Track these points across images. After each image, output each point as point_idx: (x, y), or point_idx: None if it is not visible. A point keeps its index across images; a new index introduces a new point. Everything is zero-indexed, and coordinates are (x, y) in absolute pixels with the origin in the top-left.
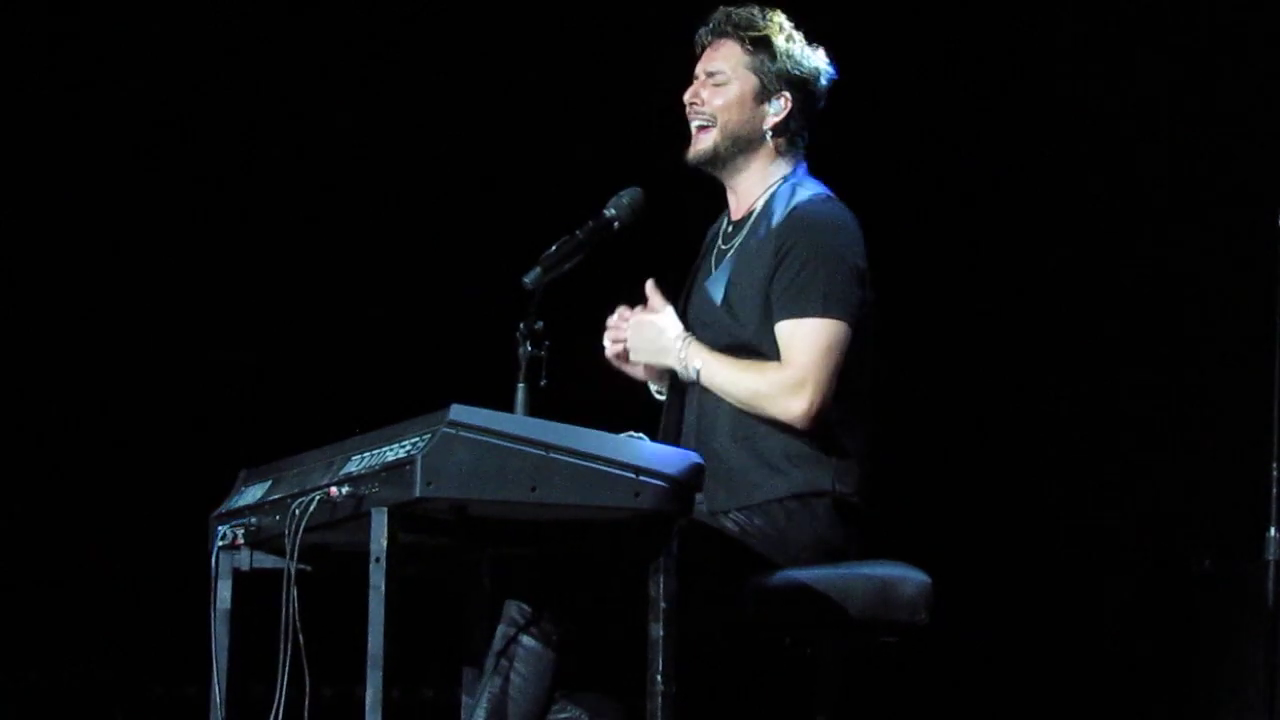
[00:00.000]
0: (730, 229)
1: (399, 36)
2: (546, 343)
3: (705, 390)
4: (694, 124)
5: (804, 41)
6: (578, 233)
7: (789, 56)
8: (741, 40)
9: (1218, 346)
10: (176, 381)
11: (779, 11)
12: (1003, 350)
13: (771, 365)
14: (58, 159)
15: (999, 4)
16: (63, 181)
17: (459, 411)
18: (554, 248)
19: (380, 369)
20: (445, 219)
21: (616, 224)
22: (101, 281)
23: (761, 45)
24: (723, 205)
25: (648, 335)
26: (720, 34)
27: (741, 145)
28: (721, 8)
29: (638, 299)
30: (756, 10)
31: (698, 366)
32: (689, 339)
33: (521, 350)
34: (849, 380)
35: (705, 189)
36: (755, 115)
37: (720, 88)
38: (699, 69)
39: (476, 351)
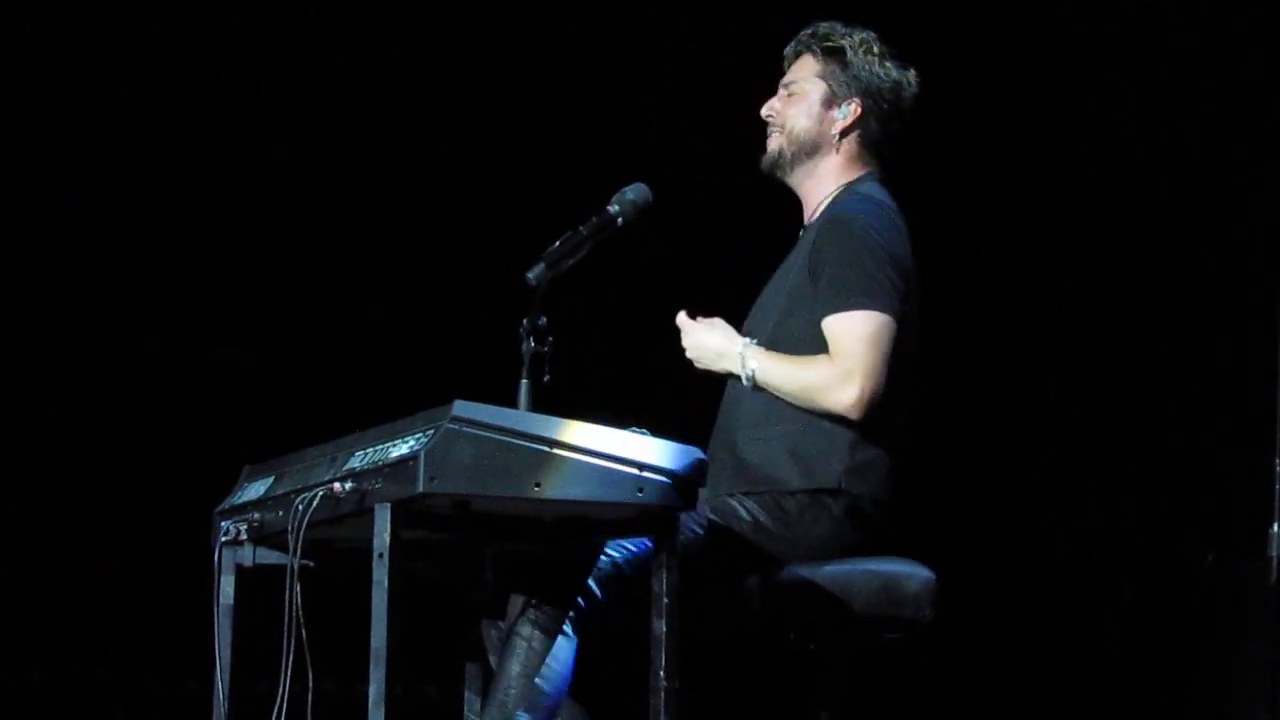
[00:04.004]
0: (801, 232)
1: (400, 33)
2: (550, 339)
3: (732, 387)
4: (768, 133)
5: (886, 56)
6: (581, 228)
7: (860, 65)
8: (815, 51)
9: (1220, 342)
10: (180, 378)
11: (864, 29)
12: (1006, 347)
13: (822, 358)
14: (58, 158)
15: (1001, 4)
16: (64, 180)
17: (462, 407)
18: (557, 243)
19: (383, 365)
20: (448, 215)
21: (620, 220)
22: (104, 279)
23: (834, 54)
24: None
25: (705, 342)
26: (800, 48)
27: (807, 149)
28: (807, 26)
29: (640, 296)
30: (840, 25)
31: (753, 368)
32: (746, 343)
33: (525, 346)
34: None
35: (710, 186)
36: (824, 120)
37: (792, 97)
38: (780, 84)
39: (480, 347)
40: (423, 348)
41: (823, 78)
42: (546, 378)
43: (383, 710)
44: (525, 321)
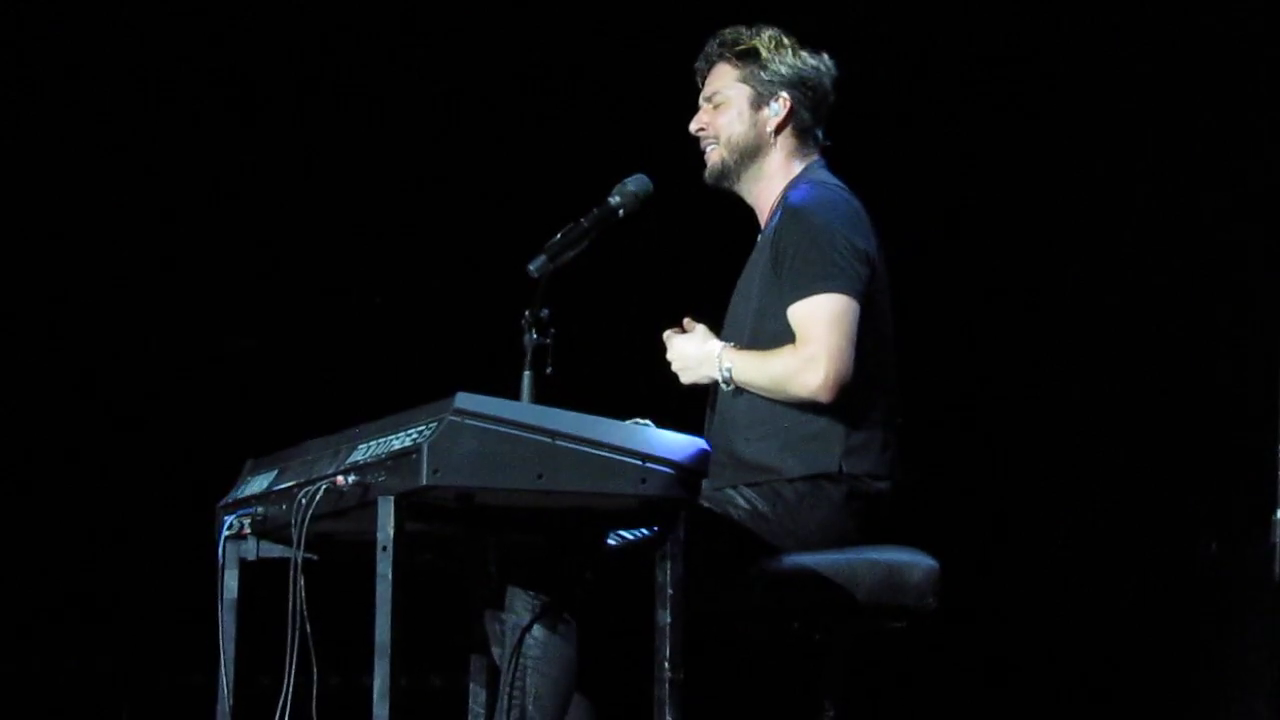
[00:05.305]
0: (759, 238)
1: (403, 24)
2: (552, 330)
3: (722, 392)
4: (703, 148)
5: (798, 47)
6: (582, 220)
7: (778, 60)
8: (729, 58)
9: (1222, 329)
10: (183, 371)
11: (769, 26)
12: (1009, 336)
13: (787, 348)
14: (60, 149)
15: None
16: (67, 171)
17: (465, 400)
18: (559, 235)
19: (386, 358)
20: (450, 207)
21: (621, 211)
22: (108, 271)
23: (749, 56)
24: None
25: (686, 351)
26: (711, 60)
27: (749, 154)
28: (712, 36)
29: (643, 287)
30: (744, 28)
31: (728, 367)
32: (723, 346)
33: (527, 338)
34: (861, 362)
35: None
36: (756, 122)
37: (719, 108)
38: (701, 98)
39: (482, 340)
40: (425, 340)
41: (744, 81)
42: (549, 369)
43: (387, 703)
44: (527, 313)
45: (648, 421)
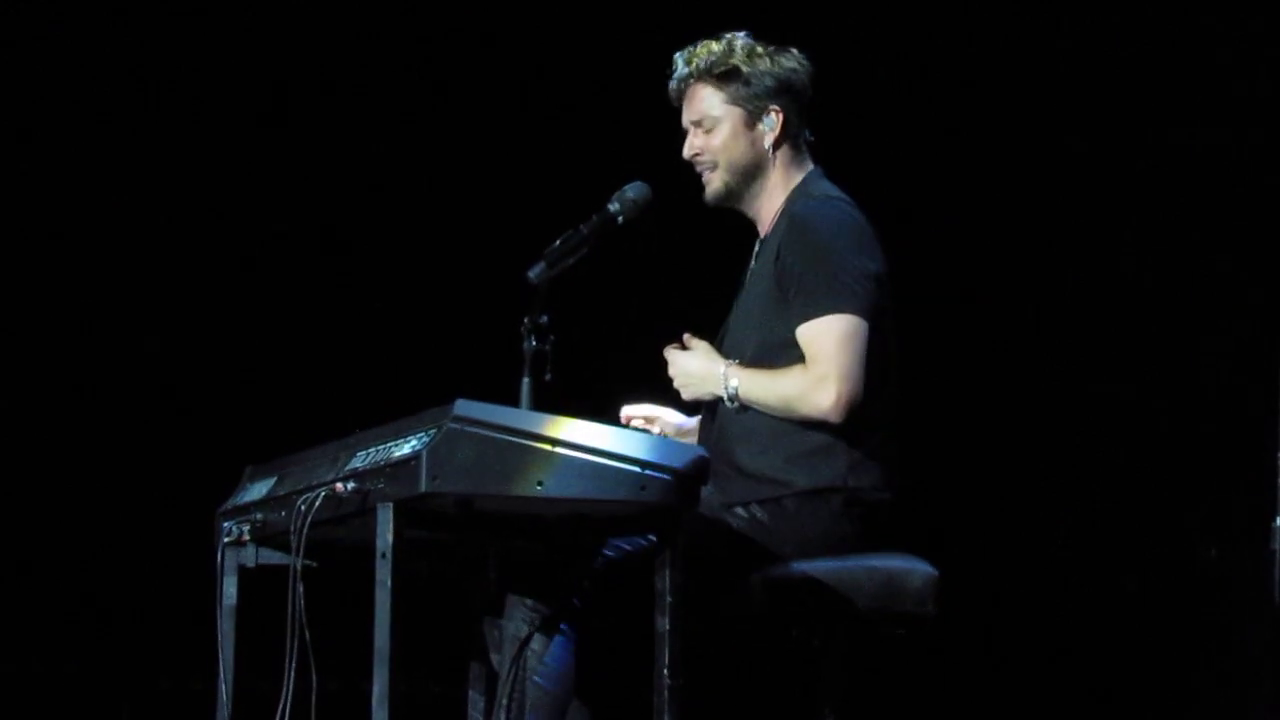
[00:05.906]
0: (758, 247)
1: (403, 28)
2: (551, 337)
3: (722, 406)
4: (700, 171)
5: (769, 50)
6: (582, 227)
7: (761, 74)
8: (709, 80)
9: (1222, 334)
10: (183, 376)
11: (735, 34)
12: (1008, 341)
13: (797, 368)
14: (61, 149)
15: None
16: (68, 172)
17: (464, 406)
18: (558, 242)
19: (385, 364)
20: (450, 213)
21: (620, 219)
22: (106, 276)
23: (731, 76)
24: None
25: (690, 368)
26: (687, 81)
27: (750, 173)
28: (678, 55)
29: (642, 293)
30: (714, 43)
31: (735, 386)
32: (728, 364)
33: (526, 345)
34: (867, 377)
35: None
36: (753, 141)
37: (711, 133)
38: (685, 121)
39: (481, 346)
40: (425, 347)
41: (731, 102)
42: (548, 376)
43: (387, 709)
44: (526, 320)
45: (648, 427)
